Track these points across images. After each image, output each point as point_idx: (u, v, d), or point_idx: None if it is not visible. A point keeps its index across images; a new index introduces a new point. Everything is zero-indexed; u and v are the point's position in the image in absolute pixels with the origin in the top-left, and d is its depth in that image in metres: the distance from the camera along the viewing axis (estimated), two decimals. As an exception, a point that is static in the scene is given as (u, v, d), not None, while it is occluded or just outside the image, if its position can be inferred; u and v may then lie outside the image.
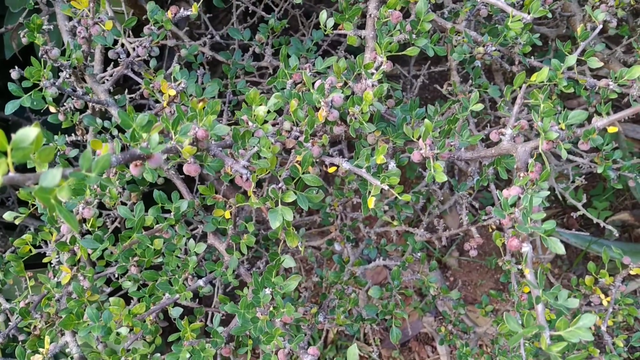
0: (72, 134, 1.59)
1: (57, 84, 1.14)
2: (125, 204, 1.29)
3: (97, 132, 1.50)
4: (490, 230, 1.73)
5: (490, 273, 3.17)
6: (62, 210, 0.62)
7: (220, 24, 2.24)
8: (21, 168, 0.67)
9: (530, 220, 0.91)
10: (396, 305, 1.68)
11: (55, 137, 1.47)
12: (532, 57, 1.58)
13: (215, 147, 1.02)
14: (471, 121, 1.76)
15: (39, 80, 1.13)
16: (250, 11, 2.02)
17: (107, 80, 1.34)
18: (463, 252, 3.21)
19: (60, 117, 1.45)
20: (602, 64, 1.38)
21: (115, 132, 1.38)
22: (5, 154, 0.59)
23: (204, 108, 0.96)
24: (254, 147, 1.00)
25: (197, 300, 1.70)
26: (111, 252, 1.10)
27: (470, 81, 1.79)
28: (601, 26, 1.45)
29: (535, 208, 0.93)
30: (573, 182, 2.07)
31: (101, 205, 1.95)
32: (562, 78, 1.25)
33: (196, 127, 0.95)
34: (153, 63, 1.47)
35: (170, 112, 1.19)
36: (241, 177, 1.01)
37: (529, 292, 1.72)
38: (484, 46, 1.49)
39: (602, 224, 2.02)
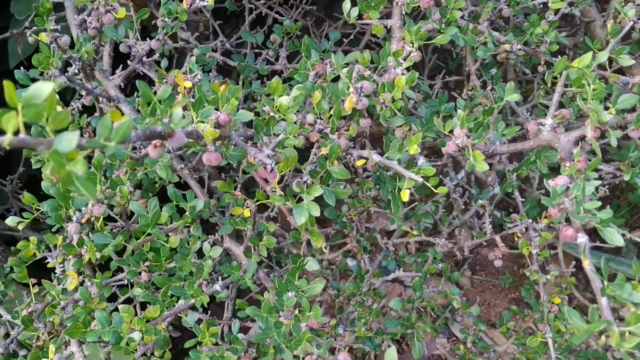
0: (81, 137, 1.52)
1: (66, 74, 1.07)
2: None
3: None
4: (516, 238, 1.65)
5: (504, 292, 3.07)
6: (78, 178, 0.55)
7: (228, 37, 2.19)
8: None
9: (583, 209, 0.83)
10: (419, 318, 1.59)
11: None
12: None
13: (236, 136, 0.95)
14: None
15: (47, 69, 1.06)
16: (263, 14, 1.96)
17: (117, 75, 1.28)
18: (475, 271, 3.12)
19: (69, 117, 1.38)
20: (633, 61, 1.32)
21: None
22: (15, 111, 0.52)
23: (226, 92, 0.89)
24: (279, 134, 0.93)
25: (208, 313, 1.61)
26: (123, 251, 1.02)
27: (489, 87, 1.73)
28: (632, 23, 1.39)
29: (586, 197, 0.85)
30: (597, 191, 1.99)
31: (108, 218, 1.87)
32: (594, 76, 1.18)
33: (218, 112, 0.88)
34: (164, 64, 1.41)
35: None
36: (265, 168, 0.93)
37: (559, 303, 1.64)
38: (509, 43, 1.43)
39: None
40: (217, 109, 0.89)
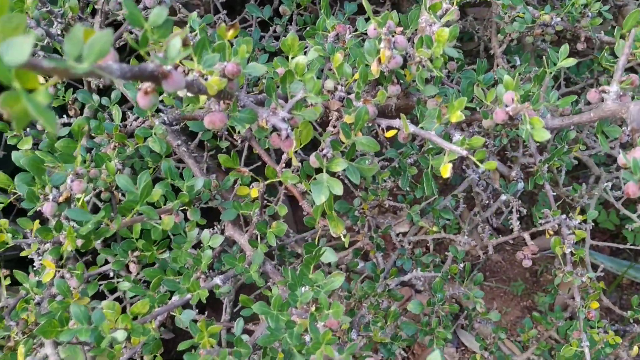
0: (64, 115, 1.36)
1: (44, 27, 0.91)
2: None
3: (94, 111, 1.27)
4: (548, 236, 1.49)
5: (516, 300, 2.91)
6: (34, 104, 0.39)
7: (231, 16, 2.04)
8: None
9: (672, 185, 0.67)
10: (439, 323, 1.42)
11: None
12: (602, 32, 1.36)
13: (245, 96, 0.78)
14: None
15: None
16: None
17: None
18: (486, 277, 2.96)
19: (50, 89, 1.22)
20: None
21: (116, 110, 1.14)
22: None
23: (235, 37, 0.73)
24: (297, 92, 0.76)
25: (205, 313, 1.44)
26: (106, 241, 0.85)
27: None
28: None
29: (672, 173, 0.69)
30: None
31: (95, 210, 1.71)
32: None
33: (224, 63, 0.72)
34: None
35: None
36: (279, 134, 0.77)
37: (597, 307, 1.48)
38: (549, 15, 1.28)
39: None
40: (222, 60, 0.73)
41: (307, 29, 1.03)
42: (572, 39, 1.45)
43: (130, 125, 1.03)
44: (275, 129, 0.77)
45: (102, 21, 1.32)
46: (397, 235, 1.70)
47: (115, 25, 1.46)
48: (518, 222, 1.52)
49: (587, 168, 2.09)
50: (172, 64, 0.57)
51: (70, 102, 1.32)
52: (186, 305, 1.17)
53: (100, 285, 1.26)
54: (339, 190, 0.81)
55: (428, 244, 1.90)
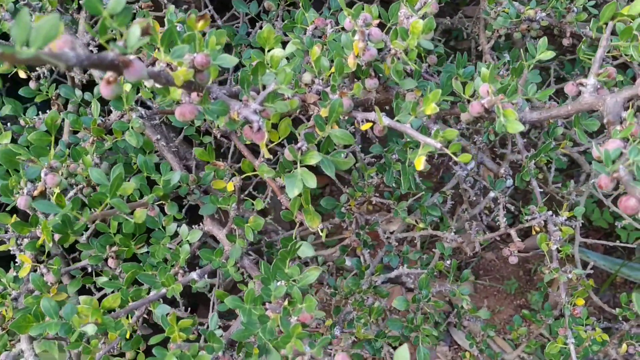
0: (48, 110, 1.35)
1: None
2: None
3: (77, 106, 1.26)
4: (534, 232, 1.48)
5: (509, 299, 2.91)
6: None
7: (223, 15, 2.03)
8: None
9: (644, 177, 0.67)
10: (425, 320, 1.42)
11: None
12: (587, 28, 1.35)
13: (217, 88, 0.78)
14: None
15: (-5, 9, 0.89)
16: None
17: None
18: (479, 275, 2.96)
19: (32, 84, 1.21)
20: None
21: (94, 104, 1.13)
22: None
23: (205, 29, 0.72)
24: (269, 84, 0.76)
25: (189, 310, 1.43)
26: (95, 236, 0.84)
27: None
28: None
29: (645, 165, 0.68)
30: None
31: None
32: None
33: (194, 54, 0.71)
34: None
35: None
36: (251, 127, 0.76)
37: (583, 304, 1.47)
38: (533, 10, 1.27)
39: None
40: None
41: (286, 22, 1.02)
42: (561, 34, 1.45)
43: (109, 119, 1.03)
44: (247, 121, 0.76)
45: (87, 16, 1.32)
46: (385, 232, 1.69)
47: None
48: (505, 220, 1.52)
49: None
50: (134, 53, 0.56)
51: (53, 97, 1.31)
52: (173, 303, 1.16)
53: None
54: (312, 183, 0.80)
55: (416, 241, 1.89)
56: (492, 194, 1.62)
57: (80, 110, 1.21)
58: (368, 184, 1.51)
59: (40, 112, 1.31)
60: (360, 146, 1.61)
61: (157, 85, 0.70)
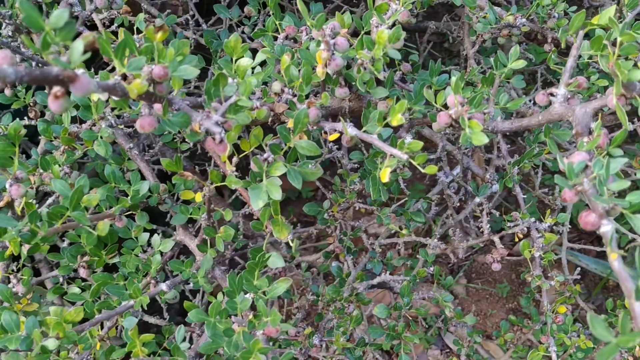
0: (25, 117, 1.34)
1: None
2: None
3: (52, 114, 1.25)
4: (517, 239, 1.47)
5: (501, 302, 2.89)
6: None
7: (214, 23, 2.02)
8: None
9: (607, 191, 0.65)
10: (406, 327, 1.40)
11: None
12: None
13: (179, 99, 0.77)
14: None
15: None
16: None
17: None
18: (471, 279, 2.94)
19: (7, 92, 1.20)
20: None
21: (75, 112, 1.12)
22: None
23: (164, 41, 0.71)
24: (231, 96, 0.74)
25: (169, 319, 1.42)
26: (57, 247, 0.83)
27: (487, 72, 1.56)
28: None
29: (610, 178, 0.67)
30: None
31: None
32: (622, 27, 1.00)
33: (152, 65, 0.70)
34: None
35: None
36: (213, 138, 0.75)
37: (565, 312, 1.46)
38: (513, 16, 1.26)
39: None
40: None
41: (256, 30, 1.01)
42: (544, 40, 1.44)
43: (79, 128, 1.02)
44: (209, 132, 0.75)
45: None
46: (369, 237, 1.68)
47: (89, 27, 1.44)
48: (489, 226, 1.50)
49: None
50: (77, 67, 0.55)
51: (30, 104, 1.30)
52: (159, 310, 1.15)
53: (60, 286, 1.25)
54: (277, 195, 0.79)
55: (400, 247, 1.88)
56: (477, 200, 1.61)
57: (56, 117, 1.20)
58: (350, 190, 1.50)
59: (17, 118, 1.30)
60: (341, 153, 1.60)
61: (114, 98, 0.69)
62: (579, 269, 1.86)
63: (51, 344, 0.76)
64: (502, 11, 1.34)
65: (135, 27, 0.97)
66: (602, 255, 2.76)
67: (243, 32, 1.57)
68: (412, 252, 2.55)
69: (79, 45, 0.53)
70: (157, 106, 0.77)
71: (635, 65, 0.70)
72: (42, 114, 1.33)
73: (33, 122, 1.32)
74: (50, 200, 1.18)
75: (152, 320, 1.28)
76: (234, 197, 1.93)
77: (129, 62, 0.67)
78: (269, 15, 1.52)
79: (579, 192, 0.69)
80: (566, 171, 0.68)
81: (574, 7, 1.32)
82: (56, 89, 0.58)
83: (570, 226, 1.81)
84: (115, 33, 1.25)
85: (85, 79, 0.56)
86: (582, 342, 1.48)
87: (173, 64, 0.72)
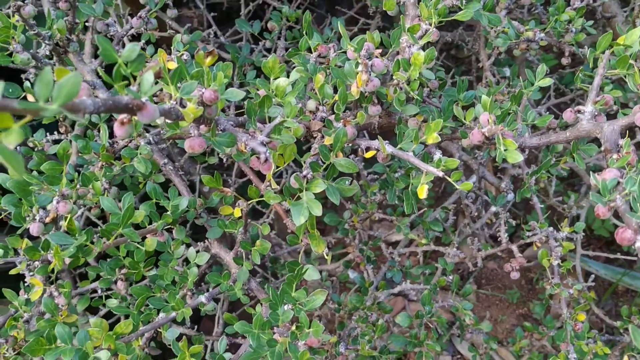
0: (55, 132, 1.37)
1: (31, 51, 0.93)
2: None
3: (84, 128, 1.29)
4: (535, 248, 1.50)
5: (511, 308, 2.92)
6: (1, 150, 0.40)
7: (226, 26, 2.06)
8: None
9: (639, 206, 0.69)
10: (427, 336, 1.43)
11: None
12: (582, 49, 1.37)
13: (224, 120, 0.80)
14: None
15: (7, 43, 0.91)
16: (261, 2, 1.83)
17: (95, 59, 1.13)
18: (481, 285, 2.97)
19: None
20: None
21: (103, 130, 1.15)
22: None
23: (213, 64, 0.74)
24: (275, 117, 0.78)
25: (196, 328, 1.45)
26: (104, 257, 0.86)
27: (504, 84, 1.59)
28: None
29: (642, 194, 0.71)
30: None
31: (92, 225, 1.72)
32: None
33: (202, 88, 0.73)
34: (150, 50, 1.26)
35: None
36: (258, 157, 0.79)
37: (583, 320, 1.49)
38: (532, 31, 1.29)
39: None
40: (201, 86, 0.75)
41: (290, 50, 1.05)
42: (560, 52, 1.47)
43: (118, 144, 1.05)
44: (254, 152, 0.78)
45: (93, 38, 1.34)
46: (388, 247, 1.71)
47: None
48: (506, 235, 1.54)
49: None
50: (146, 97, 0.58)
51: (60, 119, 1.33)
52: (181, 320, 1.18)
53: (92, 298, 1.28)
54: (317, 211, 0.82)
55: (419, 256, 1.92)
56: (493, 209, 1.64)
57: (87, 132, 1.23)
58: (371, 201, 1.54)
59: (48, 134, 1.34)
60: (363, 164, 1.64)
61: (168, 121, 0.72)
62: (592, 276, 1.89)
63: (104, 355, 0.80)
64: (519, 25, 1.38)
65: (172, 47, 1.00)
66: (611, 261, 2.79)
67: (265, 45, 1.61)
68: (424, 259, 2.58)
69: (149, 76, 0.56)
70: (202, 127, 0.80)
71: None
72: (72, 128, 1.37)
73: (63, 137, 1.36)
74: (79, 212, 1.21)
75: (181, 329, 1.31)
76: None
77: (182, 87, 0.70)
78: (290, 29, 1.57)
79: (612, 208, 0.72)
80: (600, 188, 0.71)
81: (591, 22, 1.36)
82: (123, 116, 0.61)
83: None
84: (143, 49, 1.28)
85: (151, 107, 0.60)
86: (600, 348, 1.51)
87: (221, 88, 0.75)
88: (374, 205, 1.53)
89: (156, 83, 0.57)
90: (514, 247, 1.51)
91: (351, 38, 1.63)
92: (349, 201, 1.66)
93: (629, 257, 1.93)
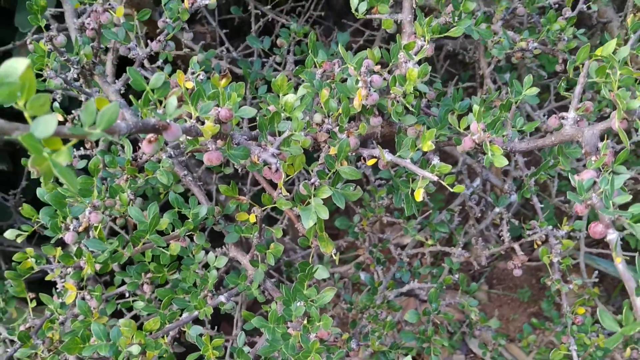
0: (81, 147, 1.47)
1: (62, 75, 1.03)
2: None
3: (108, 143, 1.38)
4: (536, 246, 1.58)
5: (523, 306, 2.98)
6: (58, 167, 0.49)
7: (239, 46, 2.15)
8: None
9: (612, 204, 0.77)
10: (435, 331, 1.51)
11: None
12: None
13: (239, 135, 0.89)
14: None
15: (42, 70, 1.01)
16: (270, 21, 1.92)
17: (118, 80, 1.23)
18: (493, 284, 3.04)
19: (68, 125, 1.33)
20: (656, 57, 1.25)
21: (127, 145, 1.25)
22: (-14, 91, 0.47)
23: (227, 85, 0.84)
24: (284, 131, 0.87)
25: (216, 328, 1.54)
26: (128, 264, 0.96)
27: (504, 91, 1.67)
28: (652, 17, 1.33)
29: (615, 192, 0.79)
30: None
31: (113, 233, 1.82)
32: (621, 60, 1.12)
33: (218, 107, 0.83)
34: (168, 69, 1.36)
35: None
36: (269, 167, 0.88)
37: (584, 313, 1.56)
38: (525, 41, 1.37)
39: None
40: (217, 105, 0.84)
41: (297, 67, 1.13)
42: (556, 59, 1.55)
43: (141, 157, 1.14)
44: (266, 163, 0.87)
45: (113, 58, 1.44)
46: (397, 248, 1.80)
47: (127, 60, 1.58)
48: (509, 234, 1.61)
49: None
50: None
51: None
52: (199, 321, 1.27)
53: (118, 303, 1.37)
54: (324, 215, 0.91)
55: (426, 257, 1.99)
56: (497, 210, 1.71)
57: (112, 147, 1.33)
58: (379, 205, 1.62)
59: (75, 149, 1.44)
60: (371, 170, 1.72)
61: (188, 137, 0.82)
62: (596, 272, 1.95)
63: (135, 349, 0.89)
64: (515, 35, 1.46)
65: (190, 68, 1.09)
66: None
67: (275, 61, 1.70)
68: (435, 260, 2.66)
69: (173, 100, 0.65)
70: (219, 141, 0.89)
71: (633, 94, 0.81)
72: (97, 144, 1.47)
73: (89, 152, 1.46)
74: (105, 221, 1.31)
75: (202, 330, 1.40)
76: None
77: (200, 107, 0.80)
78: (298, 44, 1.66)
79: (588, 205, 0.80)
80: (577, 188, 0.79)
81: (582, 30, 1.44)
82: (150, 135, 0.70)
83: (587, 231, 1.90)
84: (160, 67, 1.38)
85: (175, 127, 0.69)
86: (602, 341, 1.57)
87: (235, 106, 0.84)
88: (382, 209, 1.61)
89: (179, 107, 0.66)
90: (516, 245, 1.58)
91: (357, 49, 1.72)
92: (359, 205, 1.75)
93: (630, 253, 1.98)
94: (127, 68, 0.66)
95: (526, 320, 2.91)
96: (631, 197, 0.76)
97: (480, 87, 2.23)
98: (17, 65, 0.47)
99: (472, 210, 1.74)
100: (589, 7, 1.46)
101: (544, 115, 1.76)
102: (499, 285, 3.05)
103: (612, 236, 0.74)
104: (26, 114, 0.51)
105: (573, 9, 1.44)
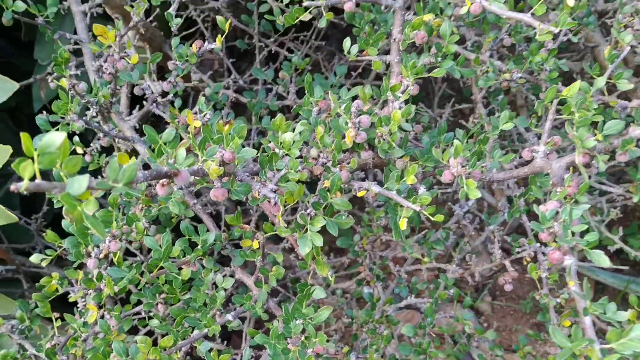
0: (99, 176, 1.59)
1: (84, 117, 1.15)
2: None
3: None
4: (525, 262, 1.67)
5: (525, 318, 3.06)
6: (89, 218, 0.61)
7: (243, 73, 2.27)
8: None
9: (571, 233, 0.87)
10: (430, 344, 1.61)
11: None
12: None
13: (241, 172, 1.00)
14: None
15: (66, 114, 1.13)
16: (273, 52, 2.04)
17: (133, 116, 1.35)
18: (496, 296, 3.12)
19: (87, 158, 1.45)
20: (632, 85, 1.35)
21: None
22: (32, 159, 0.58)
23: (230, 131, 0.95)
24: (281, 169, 0.98)
25: (226, 341, 1.65)
26: (137, 286, 1.07)
27: (496, 113, 1.77)
28: (628, 48, 1.43)
29: (575, 221, 0.89)
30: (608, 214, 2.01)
31: (128, 253, 1.94)
32: (591, 101, 1.22)
33: (222, 150, 0.94)
34: (178, 103, 1.48)
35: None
36: (269, 201, 0.99)
37: (570, 325, 1.65)
38: (509, 72, 1.48)
39: None
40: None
41: (296, 106, 1.25)
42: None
43: (154, 189, 1.26)
44: (266, 197, 0.98)
45: (127, 92, 1.56)
46: (395, 265, 1.90)
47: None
48: (500, 252, 1.71)
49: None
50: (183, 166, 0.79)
51: (103, 166, 1.55)
52: (211, 337, 1.38)
53: (134, 320, 1.49)
54: (319, 242, 1.02)
55: (421, 273, 2.09)
56: (490, 227, 1.81)
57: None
58: (377, 225, 1.73)
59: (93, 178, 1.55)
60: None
61: (196, 177, 0.93)
62: (585, 278, 2.03)
63: (151, 365, 1.00)
64: (502, 65, 1.56)
65: (197, 108, 1.21)
66: (620, 270, 2.92)
67: (278, 90, 1.82)
68: (438, 274, 2.75)
69: (182, 152, 0.76)
70: (224, 179, 1.00)
71: (588, 137, 0.91)
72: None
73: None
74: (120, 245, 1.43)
75: (212, 345, 1.51)
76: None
77: (206, 151, 0.91)
78: (299, 75, 1.78)
79: (551, 233, 0.90)
80: (540, 217, 0.90)
81: (563, 60, 1.54)
82: (163, 180, 0.82)
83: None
84: (172, 102, 1.50)
85: (184, 173, 0.80)
86: (591, 351, 1.66)
87: (238, 148, 0.96)
88: (380, 228, 1.72)
89: (187, 157, 0.77)
90: (507, 262, 1.68)
91: (359, 74, 1.82)
92: (359, 225, 1.86)
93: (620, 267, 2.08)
94: (144, 127, 0.77)
95: (529, 331, 2.98)
96: (586, 226, 0.86)
97: (473, 112, 2.34)
98: (56, 137, 0.58)
99: (466, 229, 1.84)
100: (569, 40, 1.56)
101: (534, 136, 1.86)
102: (502, 296, 3.13)
103: (569, 262, 0.84)
104: (62, 173, 0.63)
105: (555, 40, 1.54)
